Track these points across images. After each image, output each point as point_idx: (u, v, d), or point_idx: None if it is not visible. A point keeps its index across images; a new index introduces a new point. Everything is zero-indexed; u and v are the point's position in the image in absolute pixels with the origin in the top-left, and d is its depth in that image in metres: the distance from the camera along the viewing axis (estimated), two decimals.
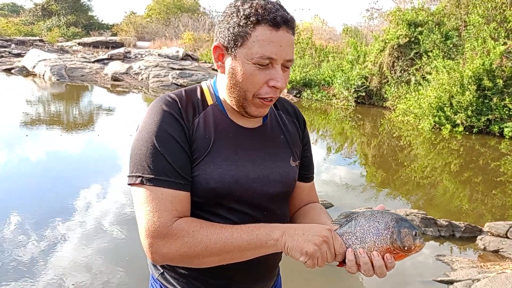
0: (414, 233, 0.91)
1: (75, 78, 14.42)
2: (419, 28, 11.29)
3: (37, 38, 23.88)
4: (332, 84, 13.16)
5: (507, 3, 9.95)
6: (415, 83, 10.68)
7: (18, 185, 4.69)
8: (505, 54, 9.01)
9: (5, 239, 3.42)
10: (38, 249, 3.29)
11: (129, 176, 0.96)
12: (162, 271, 1.09)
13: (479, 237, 3.83)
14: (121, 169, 5.52)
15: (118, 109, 10.21)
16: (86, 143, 6.88)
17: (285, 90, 13.13)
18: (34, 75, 14.84)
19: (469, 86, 8.76)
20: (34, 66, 15.11)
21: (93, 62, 16.18)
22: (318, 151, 7.12)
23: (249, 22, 0.92)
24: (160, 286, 1.11)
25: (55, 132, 7.31)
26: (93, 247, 3.38)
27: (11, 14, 36.02)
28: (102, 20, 38.61)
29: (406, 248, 0.90)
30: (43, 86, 13.16)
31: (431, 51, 10.69)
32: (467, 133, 8.80)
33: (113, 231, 3.68)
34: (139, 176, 0.94)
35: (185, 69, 14.75)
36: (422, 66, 10.90)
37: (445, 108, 8.93)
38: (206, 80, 1.12)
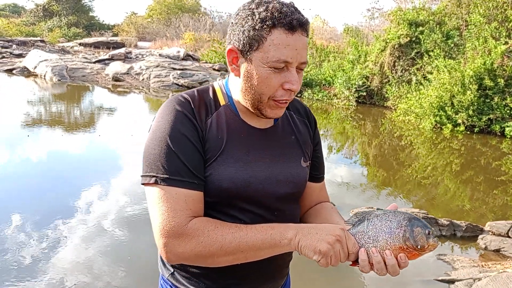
0: (427, 232, 0.90)
1: (76, 78, 14.44)
2: (420, 28, 11.27)
3: (38, 38, 23.92)
4: (333, 84, 13.15)
5: (508, 3, 9.94)
6: (416, 83, 10.67)
7: (19, 185, 4.70)
8: (506, 54, 9.00)
9: (6, 239, 3.43)
10: (39, 249, 3.30)
11: (142, 176, 0.97)
12: (172, 270, 1.10)
13: (480, 236, 3.83)
14: (122, 169, 5.53)
15: (119, 110, 10.22)
16: (87, 144, 6.89)
17: None
18: (35, 75, 14.87)
19: (470, 86, 8.74)
20: (35, 67, 15.13)
21: (94, 62, 16.19)
22: None
23: (265, 26, 0.91)
24: (171, 286, 1.11)
25: (56, 132, 7.33)
26: (94, 247, 3.38)
27: (12, 14, 36.06)
28: (103, 21, 38.73)
29: (419, 247, 0.90)
30: (44, 87, 13.18)
31: (432, 50, 10.68)
32: (468, 132, 8.79)
33: (114, 231, 3.69)
34: (153, 176, 0.94)
35: (186, 69, 14.75)
36: (423, 66, 10.88)
37: (446, 108, 8.92)
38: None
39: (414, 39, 11.37)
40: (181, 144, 0.95)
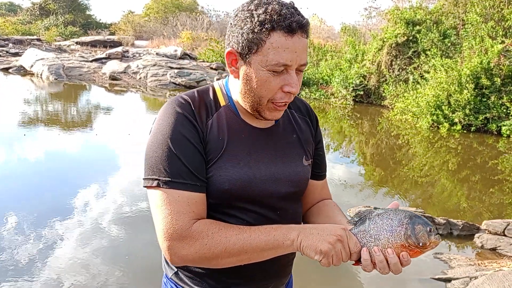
0: (428, 229, 0.90)
1: (73, 77, 14.39)
2: (417, 27, 11.31)
3: (35, 37, 23.80)
4: (330, 83, 13.16)
5: (505, 2, 9.97)
6: (413, 82, 10.70)
7: (15, 184, 4.68)
8: (502, 53, 9.02)
9: (3, 238, 3.42)
10: (36, 248, 3.29)
11: (145, 179, 0.97)
12: (176, 270, 1.10)
13: (476, 235, 3.84)
14: (119, 168, 5.52)
15: (116, 109, 10.19)
16: (84, 143, 6.87)
17: None
18: (32, 74, 14.80)
19: (467, 85, 8.78)
20: (32, 66, 15.06)
21: (91, 61, 16.14)
22: None
23: (264, 29, 0.89)
24: (174, 285, 1.12)
25: (53, 131, 7.30)
26: (91, 246, 3.37)
27: (8, 13, 35.90)
28: (100, 19, 38.52)
29: (421, 244, 0.90)
30: (41, 86, 13.13)
31: (429, 49, 10.71)
32: (465, 131, 8.82)
33: (112, 230, 3.68)
34: (156, 179, 0.94)
35: (183, 68, 14.72)
36: (420, 65, 10.91)
37: (443, 107, 8.95)
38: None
39: (411, 38, 11.40)
40: (182, 146, 0.95)
